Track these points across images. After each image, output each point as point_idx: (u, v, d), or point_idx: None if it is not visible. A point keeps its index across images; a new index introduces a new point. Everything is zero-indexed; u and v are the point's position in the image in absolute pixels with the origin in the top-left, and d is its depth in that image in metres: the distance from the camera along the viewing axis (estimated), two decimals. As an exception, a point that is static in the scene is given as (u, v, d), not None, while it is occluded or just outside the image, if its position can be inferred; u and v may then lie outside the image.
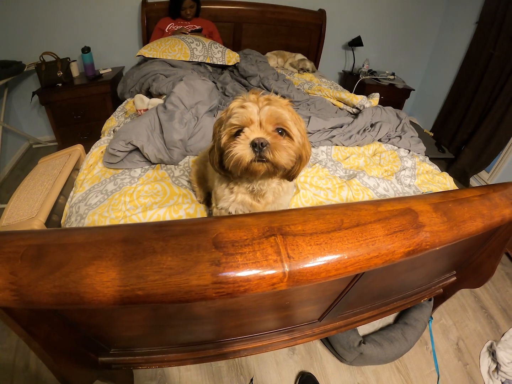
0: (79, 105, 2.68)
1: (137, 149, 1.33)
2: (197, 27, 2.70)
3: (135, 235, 0.49)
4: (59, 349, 0.75)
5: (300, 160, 0.78)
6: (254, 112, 0.69)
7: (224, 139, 0.72)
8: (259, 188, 0.83)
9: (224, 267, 0.46)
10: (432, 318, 1.68)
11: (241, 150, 0.68)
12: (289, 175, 0.81)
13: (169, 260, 0.45)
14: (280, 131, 0.72)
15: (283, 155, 0.70)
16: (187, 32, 2.61)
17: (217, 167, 0.81)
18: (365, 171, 1.41)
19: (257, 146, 0.67)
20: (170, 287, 0.45)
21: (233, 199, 0.86)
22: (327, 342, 1.54)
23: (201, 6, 2.77)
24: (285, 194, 0.90)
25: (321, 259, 0.49)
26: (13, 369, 1.44)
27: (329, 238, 0.51)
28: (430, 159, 1.77)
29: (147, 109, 1.63)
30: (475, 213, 0.65)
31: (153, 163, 1.38)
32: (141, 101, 1.65)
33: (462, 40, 3.20)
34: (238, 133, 0.71)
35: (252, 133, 0.69)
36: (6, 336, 1.56)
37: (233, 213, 0.89)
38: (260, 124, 0.70)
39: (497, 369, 1.55)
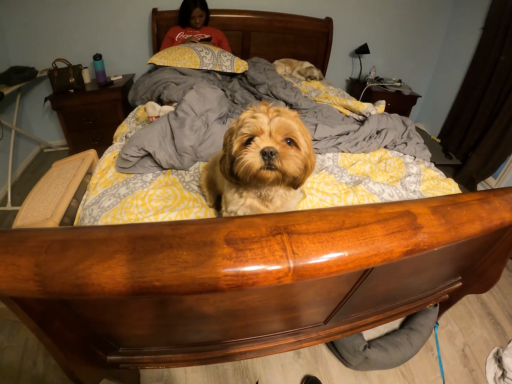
0: (90, 111, 2.74)
1: (149, 154, 1.36)
2: (206, 36, 2.75)
3: (153, 232, 0.53)
4: (70, 346, 0.78)
5: (306, 170, 0.81)
6: (264, 122, 0.73)
7: (235, 147, 0.75)
8: (266, 193, 0.86)
9: (235, 261, 0.49)
10: (438, 324, 1.68)
11: (252, 158, 0.72)
12: (295, 183, 0.83)
13: (185, 254, 0.49)
14: (288, 141, 0.75)
15: (291, 164, 0.73)
16: (197, 41, 2.66)
17: (227, 174, 0.84)
18: (370, 177, 1.43)
19: (267, 154, 0.71)
20: (185, 279, 0.48)
21: (242, 203, 0.90)
22: (333, 347, 1.55)
23: (210, 15, 2.82)
24: (292, 198, 0.93)
25: (323, 256, 0.53)
26: (20, 367, 1.47)
27: (331, 237, 0.55)
28: (438, 165, 1.79)
29: (158, 116, 1.67)
30: (474, 216, 0.68)
31: (165, 169, 1.42)
32: (153, 108, 1.70)
33: (468, 46, 3.22)
34: (249, 141, 0.74)
35: (262, 142, 0.72)
36: (15, 334, 1.59)
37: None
38: (270, 134, 0.73)
39: (503, 375, 1.55)
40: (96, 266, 0.48)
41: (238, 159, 0.74)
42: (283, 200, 0.91)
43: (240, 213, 0.92)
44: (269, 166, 0.73)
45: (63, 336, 0.75)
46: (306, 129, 0.81)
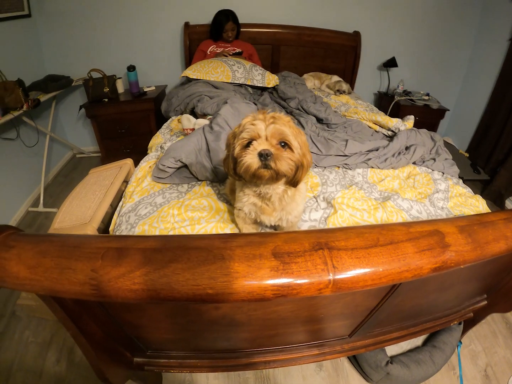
0: (123, 120, 2.85)
1: (185, 166, 1.43)
2: (238, 50, 2.82)
3: (205, 244, 0.59)
4: (101, 346, 0.84)
5: (302, 167, 0.92)
6: (261, 128, 0.84)
7: (237, 149, 0.88)
8: (265, 191, 0.98)
9: (281, 273, 0.54)
10: (461, 342, 1.66)
11: (251, 159, 0.84)
12: (292, 181, 0.95)
13: (236, 265, 0.54)
14: (282, 144, 0.87)
15: (283, 164, 0.85)
16: (228, 55, 2.74)
17: (231, 173, 0.97)
18: (399, 194, 1.44)
19: (263, 156, 0.83)
20: (236, 288, 0.54)
21: (246, 200, 1.04)
22: (355, 361, 1.55)
23: (241, 29, 2.90)
24: (292, 201, 1.04)
25: (360, 271, 0.58)
26: (43, 363, 1.54)
27: (367, 253, 0.59)
28: (465, 180, 1.77)
29: (193, 129, 1.74)
30: (499, 235, 0.71)
31: (200, 180, 1.48)
32: (188, 121, 1.77)
33: (496, 58, 3.15)
34: (248, 144, 0.86)
35: (260, 145, 0.84)
36: (41, 331, 1.67)
37: (247, 213, 1.07)
38: (266, 138, 0.85)
39: (525, 399, 1.51)
40: (152, 274, 0.53)
41: (239, 160, 0.87)
42: (282, 202, 1.02)
43: (246, 209, 1.06)
44: (265, 166, 0.84)
45: (96, 337, 0.81)
46: (300, 131, 0.93)
